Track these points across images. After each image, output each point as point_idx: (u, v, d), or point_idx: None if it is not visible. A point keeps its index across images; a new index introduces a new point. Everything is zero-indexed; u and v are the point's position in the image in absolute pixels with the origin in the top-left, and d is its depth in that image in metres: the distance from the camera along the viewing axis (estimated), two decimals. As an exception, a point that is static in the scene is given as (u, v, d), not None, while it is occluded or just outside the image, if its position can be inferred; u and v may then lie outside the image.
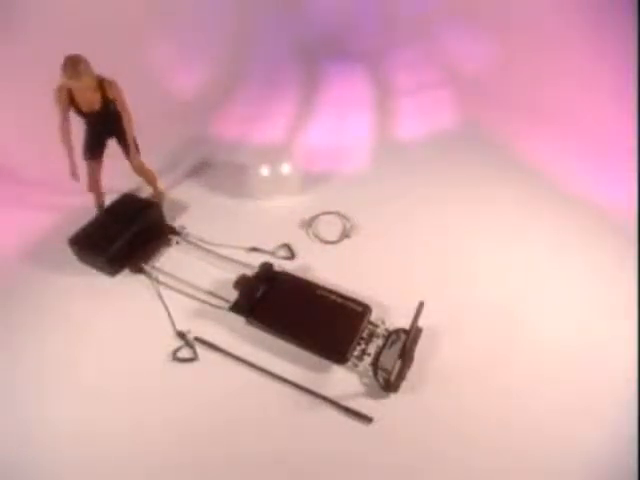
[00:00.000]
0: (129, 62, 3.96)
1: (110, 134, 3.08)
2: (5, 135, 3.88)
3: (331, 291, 2.70)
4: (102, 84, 2.79)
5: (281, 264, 3.00)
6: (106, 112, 2.90)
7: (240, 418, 2.31)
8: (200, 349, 2.56)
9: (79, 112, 2.87)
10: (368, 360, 2.46)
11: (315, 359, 2.46)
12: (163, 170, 3.72)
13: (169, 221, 3.30)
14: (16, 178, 3.69)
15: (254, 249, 3.13)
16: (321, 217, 3.39)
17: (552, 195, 3.51)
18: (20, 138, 3.85)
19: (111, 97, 2.85)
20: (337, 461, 2.16)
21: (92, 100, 2.82)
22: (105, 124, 2.99)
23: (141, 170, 3.29)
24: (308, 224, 3.33)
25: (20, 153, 3.79)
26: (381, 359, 2.42)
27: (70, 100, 2.78)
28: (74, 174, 3.00)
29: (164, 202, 3.47)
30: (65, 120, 2.84)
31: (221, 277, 2.93)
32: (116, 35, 4.10)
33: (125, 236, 3.00)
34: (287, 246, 3.16)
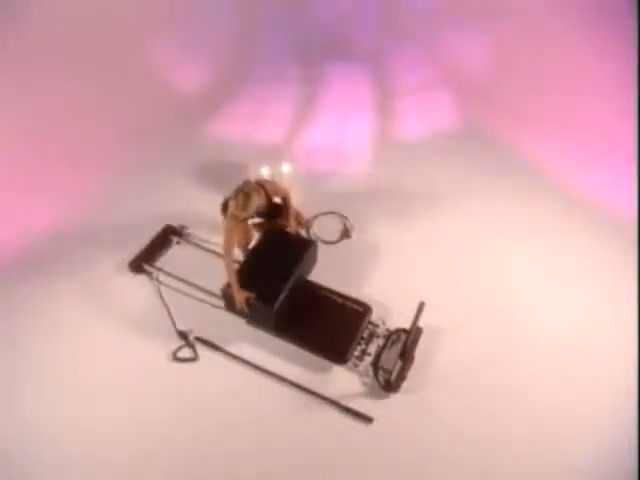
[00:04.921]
0: (131, 61, 3.97)
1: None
2: (6, 133, 3.87)
3: (331, 291, 2.70)
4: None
5: (281, 264, 2.99)
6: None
7: (240, 418, 2.31)
8: (201, 349, 2.56)
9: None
10: (368, 360, 2.46)
11: (315, 359, 2.46)
12: (162, 169, 3.72)
13: (169, 221, 3.29)
14: (16, 179, 3.68)
15: (254, 249, 3.12)
16: (321, 217, 3.39)
17: (552, 195, 3.51)
18: (21, 136, 3.84)
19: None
20: (337, 461, 2.16)
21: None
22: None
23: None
24: (308, 224, 3.33)
25: (20, 152, 3.79)
26: (381, 359, 2.42)
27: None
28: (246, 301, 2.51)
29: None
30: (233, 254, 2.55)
31: (221, 277, 2.93)
32: (117, 34, 4.10)
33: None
34: (287, 246, 3.15)
